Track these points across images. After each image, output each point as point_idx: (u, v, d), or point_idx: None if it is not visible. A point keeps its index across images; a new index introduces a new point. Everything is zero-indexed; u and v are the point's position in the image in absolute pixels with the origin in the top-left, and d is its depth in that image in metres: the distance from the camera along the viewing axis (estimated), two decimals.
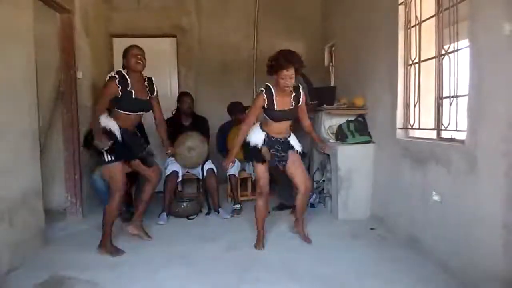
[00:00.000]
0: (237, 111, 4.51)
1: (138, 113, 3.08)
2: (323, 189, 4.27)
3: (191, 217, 3.99)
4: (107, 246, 2.98)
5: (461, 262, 2.42)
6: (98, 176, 3.87)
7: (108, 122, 2.93)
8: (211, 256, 2.97)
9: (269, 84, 3.04)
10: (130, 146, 3.01)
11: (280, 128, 3.11)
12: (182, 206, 4.02)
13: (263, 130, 3.11)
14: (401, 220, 3.23)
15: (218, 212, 4.07)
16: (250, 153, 3.09)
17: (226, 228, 3.66)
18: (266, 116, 3.09)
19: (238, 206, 4.18)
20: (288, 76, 2.90)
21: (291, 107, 3.06)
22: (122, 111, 2.98)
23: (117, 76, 2.93)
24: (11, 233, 2.67)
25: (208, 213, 4.14)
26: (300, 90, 3.11)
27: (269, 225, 3.49)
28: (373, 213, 3.79)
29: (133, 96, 2.96)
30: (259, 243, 3.13)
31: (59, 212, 4.01)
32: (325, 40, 5.48)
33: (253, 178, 4.40)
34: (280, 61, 2.89)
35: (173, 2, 5.40)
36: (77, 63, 3.90)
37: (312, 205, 4.26)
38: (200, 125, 4.36)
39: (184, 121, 4.32)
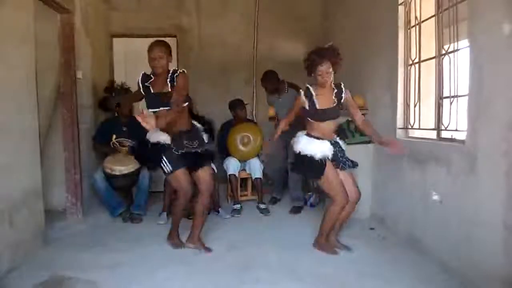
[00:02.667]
0: (238, 107, 4.54)
1: (161, 109, 2.88)
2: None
3: (191, 217, 3.98)
4: (174, 238, 3.18)
5: (461, 262, 2.42)
6: (98, 176, 3.88)
7: (155, 135, 2.97)
8: (211, 256, 2.97)
9: (308, 85, 2.99)
10: (184, 153, 3.00)
11: (328, 129, 3.00)
12: None
13: (314, 137, 2.96)
14: (401, 220, 3.23)
15: (218, 212, 4.07)
16: (316, 167, 2.91)
17: (226, 228, 3.66)
18: (310, 119, 2.97)
19: (238, 206, 4.18)
20: (324, 71, 2.86)
21: (334, 105, 2.96)
22: (149, 110, 2.97)
23: (141, 74, 3.04)
24: (11, 233, 2.67)
25: (208, 213, 4.13)
26: (342, 86, 3.00)
27: (269, 224, 3.50)
28: (373, 213, 3.78)
29: (152, 91, 2.97)
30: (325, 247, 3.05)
31: (59, 212, 4.00)
32: (325, 40, 5.46)
33: (253, 178, 4.40)
34: (314, 58, 2.89)
35: (173, 2, 5.41)
36: (77, 63, 3.89)
37: (312, 205, 4.26)
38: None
39: None
